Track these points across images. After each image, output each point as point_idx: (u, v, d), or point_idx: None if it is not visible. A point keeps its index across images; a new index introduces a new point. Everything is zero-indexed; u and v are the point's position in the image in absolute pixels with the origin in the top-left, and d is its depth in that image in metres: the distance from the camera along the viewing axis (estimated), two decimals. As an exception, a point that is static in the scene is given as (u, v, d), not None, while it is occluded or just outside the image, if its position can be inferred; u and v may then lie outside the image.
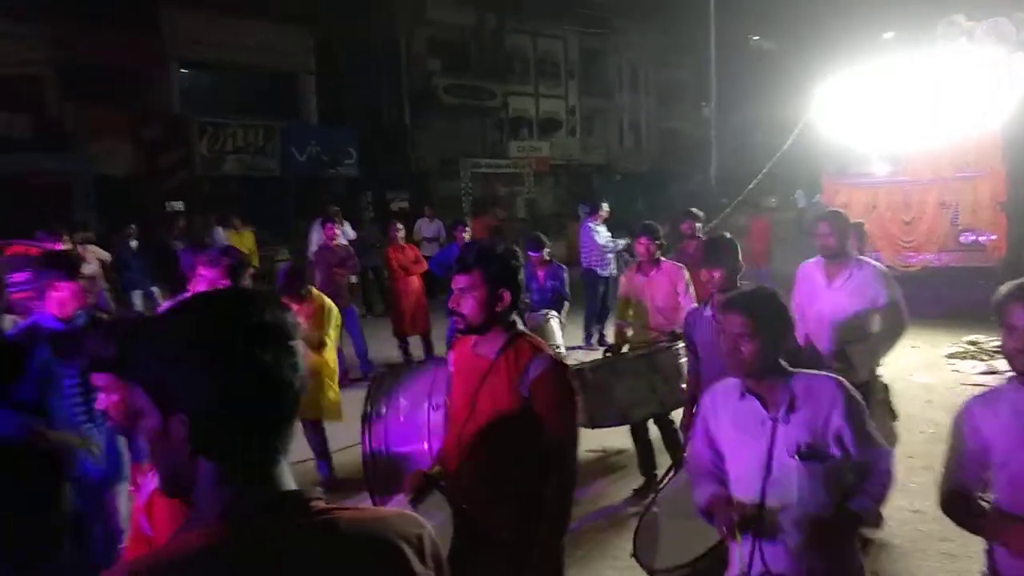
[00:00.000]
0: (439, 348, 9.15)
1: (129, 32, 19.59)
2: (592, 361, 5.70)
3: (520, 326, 2.66)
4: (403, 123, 25.30)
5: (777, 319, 2.39)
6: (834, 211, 4.97)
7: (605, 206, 10.80)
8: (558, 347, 5.31)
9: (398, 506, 2.56)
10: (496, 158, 27.36)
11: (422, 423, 3.66)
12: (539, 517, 2.50)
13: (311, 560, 1.03)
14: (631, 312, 6.00)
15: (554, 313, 6.37)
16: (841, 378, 2.41)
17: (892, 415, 5.00)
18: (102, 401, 2.17)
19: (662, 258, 5.96)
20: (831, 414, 2.28)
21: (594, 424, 4.97)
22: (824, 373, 2.49)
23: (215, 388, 1.04)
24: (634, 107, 34.15)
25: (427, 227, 15.23)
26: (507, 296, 2.54)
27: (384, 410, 3.80)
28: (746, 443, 2.35)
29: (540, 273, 7.90)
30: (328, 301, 5.73)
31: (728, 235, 4.46)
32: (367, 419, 3.83)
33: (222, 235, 13.39)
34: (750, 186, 14.08)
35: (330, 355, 5.65)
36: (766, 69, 27.90)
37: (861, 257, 4.67)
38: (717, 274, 4.02)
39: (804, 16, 25.97)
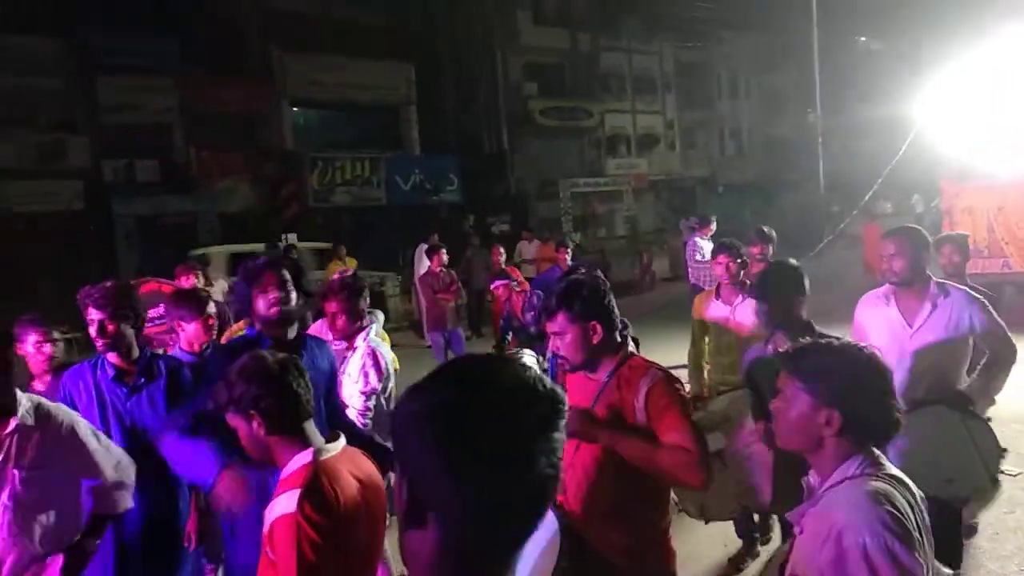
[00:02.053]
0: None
1: (245, 77, 20.90)
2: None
3: (631, 346, 2.65)
4: (502, 148, 25.74)
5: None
6: (905, 227, 3.86)
7: (714, 221, 10.41)
8: None
9: None
10: (594, 177, 27.37)
11: None
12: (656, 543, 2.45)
13: None
14: (708, 345, 4.87)
15: (530, 353, 5.11)
16: None
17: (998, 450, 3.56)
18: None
19: (747, 280, 4.85)
20: None
21: (708, 518, 3.72)
22: None
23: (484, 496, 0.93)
24: (735, 116, 33.45)
25: (527, 249, 15.40)
26: (599, 327, 2.52)
27: None
28: None
29: (516, 307, 6.52)
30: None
31: (793, 262, 3.58)
32: None
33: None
34: (867, 196, 13.52)
35: None
36: (874, 70, 26.79)
37: (941, 281, 3.63)
38: (765, 307, 3.43)
39: (913, 13, 24.80)
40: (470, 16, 25.72)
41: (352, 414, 3.68)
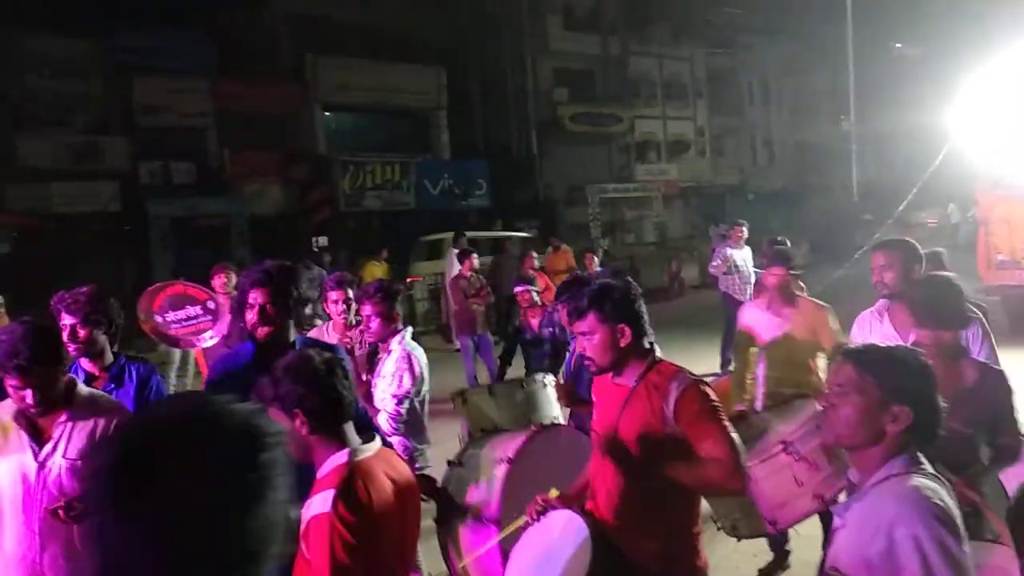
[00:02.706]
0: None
1: (278, 81, 21.16)
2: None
3: (658, 352, 2.65)
4: (531, 153, 25.77)
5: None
6: (897, 239, 3.74)
7: (744, 228, 9.96)
8: (555, 419, 4.07)
9: (559, 520, 2.60)
10: (623, 183, 27.28)
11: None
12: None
13: None
14: (752, 356, 4.60)
15: (551, 378, 4.50)
16: None
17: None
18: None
19: (798, 292, 4.57)
20: None
21: (740, 535, 3.66)
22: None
23: None
24: (766, 123, 33.16)
25: (554, 259, 15.36)
26: (628, 330, 2.52)
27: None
28: None
29: (533, 320, 6.14)
30: None
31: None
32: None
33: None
34: (902, 206, 13.29)
35: None
36: (910, 76, 26.39)
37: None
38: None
39: (950, 18, 24.42)
40: (500, 21, 25.81)
41: (383, 418, 3.70)
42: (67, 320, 3.22)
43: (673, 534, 2.51)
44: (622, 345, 2.53)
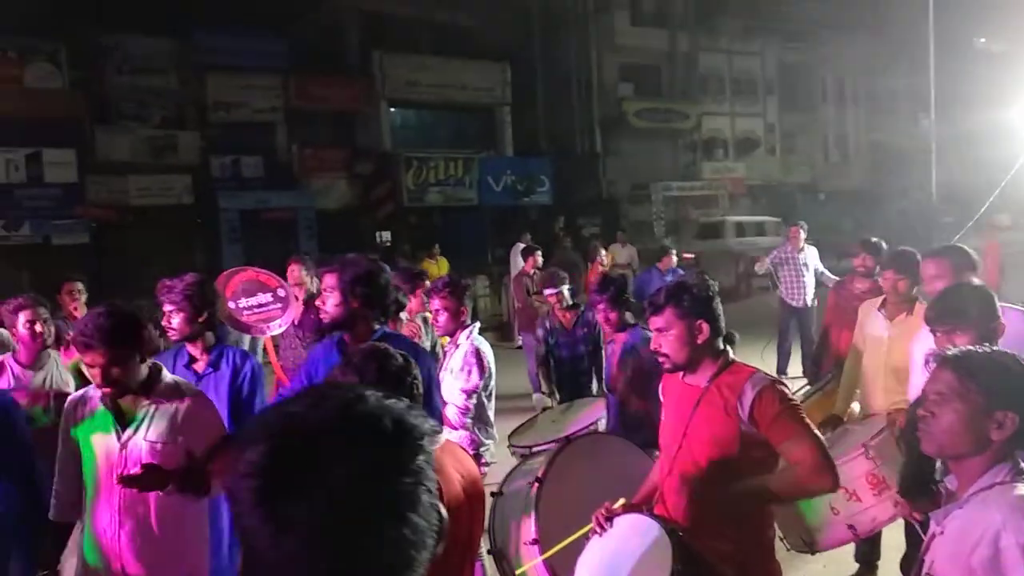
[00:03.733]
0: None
1: (346, 78, 21.50)
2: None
3: (731, 354, 2.57)
4: (594, 149, 25.57)
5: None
6: (945, 247, 3.60)
7: (801, 229, 9.15)
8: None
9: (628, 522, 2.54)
10: (689, 180, 26.85)
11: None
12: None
13: None
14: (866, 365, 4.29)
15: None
16: None
17: None
18: None
19: (919, 298, 4.26)
20: None
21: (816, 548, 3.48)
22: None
23: None
24: (840, 121, 32.18)
25: (620, 253, 15.17)
26: (705, 327, 2.48)
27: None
28: None
29: (565, 317, 5.66)
30: None
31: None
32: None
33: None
34: (983, 207, 12.70)
35: None
36: (994, 73, 25.21)
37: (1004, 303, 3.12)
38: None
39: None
40: (566, 17, 25.67)
41: (451, 411, 3.70)
42: (166, 307, 3.41)
43: (746, 536, 2.47)
44: (699, 342, 2.49)
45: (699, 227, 21.89)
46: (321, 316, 3.15)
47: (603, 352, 5.37)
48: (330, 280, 3.01)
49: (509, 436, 4.19)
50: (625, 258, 14.97)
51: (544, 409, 4.73)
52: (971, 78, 25.62)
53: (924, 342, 3.44)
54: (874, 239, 5.95)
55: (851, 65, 31.36)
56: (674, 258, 9.03)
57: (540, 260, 9.62)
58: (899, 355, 4.01)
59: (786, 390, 2.44)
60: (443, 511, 0.90)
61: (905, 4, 23.60)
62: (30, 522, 2.97)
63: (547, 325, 5.79)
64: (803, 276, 9.04)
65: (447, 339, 4.07)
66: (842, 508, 3.26)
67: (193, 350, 3.46)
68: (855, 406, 4.35)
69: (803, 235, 9.15)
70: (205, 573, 2.85)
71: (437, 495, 0.91)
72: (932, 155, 22.44)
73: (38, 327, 3.81)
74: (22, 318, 3.83)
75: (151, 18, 18.18)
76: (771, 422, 2.35)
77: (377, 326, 3.03)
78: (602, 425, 4.03)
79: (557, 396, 5.60)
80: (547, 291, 5.85)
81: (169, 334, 3.48)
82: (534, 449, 3.76)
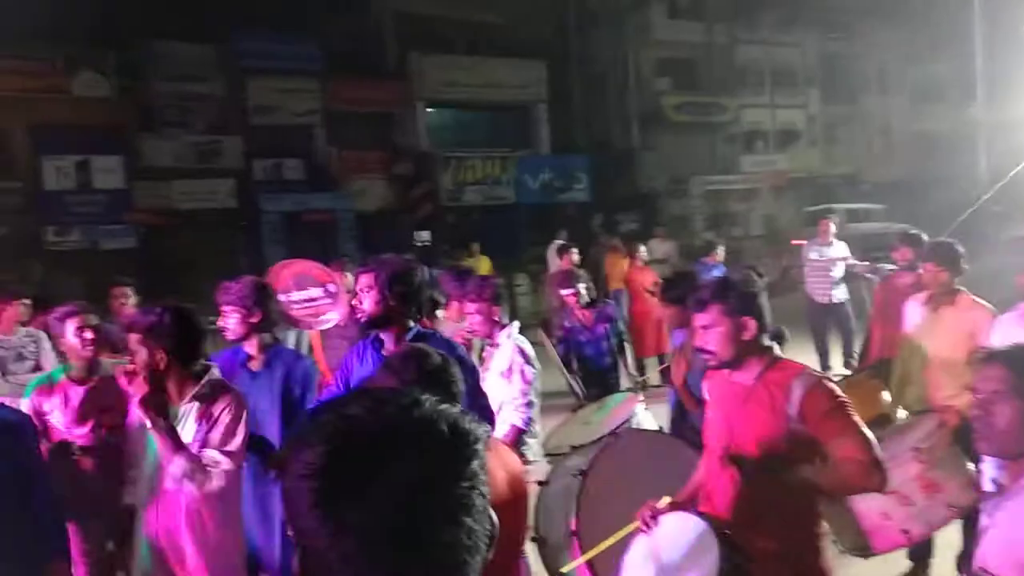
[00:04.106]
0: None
1: (383, 79, 21.67)
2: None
3: (777, 350, 2.54)
4: (631, 145, 25.40)
5: None
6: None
7: (831, 222, 8.83)
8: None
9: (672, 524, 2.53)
10: (729, 174, 26.53)
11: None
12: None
13: None
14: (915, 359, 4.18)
15: (641, 405, 4.19)
16: None
17: None
18: None
19: (961, 288, 4.16)
20: None
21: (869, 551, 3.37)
22: None
23: None
24: (884, 111, 31.45)
25: (659, 248, 15.05)
26: (752, 324, 2.46)
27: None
28: None
29: (584, 315, 5.67)
30: None
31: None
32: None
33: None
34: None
35: None
36: (1045, 58, 24.42)
37: None
38: None
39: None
40: (602, 12, 25.53)
41: (511, 414, 3.70)
42: (223, 307, 3.56)
43: (794, 534, 2.45)
44: (745, 339, 2.47)
45: (805, 216, 21.88)
46: (358, 315, 3.17)
47: (627, 345, 5.78)
48: (366, 279, 3.02)
49: (543, 444, 4.16)
50: (663, 253, 14.85)
51: (575, 410, 4.72)
52: (1019, 64, 24.86)
53: (1006, 330, 3.39)
54: (913, 231, 5.81)
55: (894, 53, 30.63)
56: (721, 253, 8.79)
57: (576, 258, 9.57)
58: (945, 348, 3.95)
59: (835, 387, 2.42)
60: (494, 517, 0.90)
61: (951, -10, 23.01)
62: (52, 547, 2.78)
63: (567, 324, 5.79)
64: (831, 271, 8.67)
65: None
66: (894, 512, 3.21)
67: (249, 349, 3.57)
68: (886, 399, 4.26)
69: (833, 228, 8.84)
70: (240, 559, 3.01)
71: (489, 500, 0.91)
72: (979, 143, 21.85)
73: (87, 333, 3.75)
74: (71, 326, 3.72)
75: (193, 25, 18.54)
76: (821, 419, 2.32)
77: (412, 324, 3.05)
78: (635, 422, 3.95)
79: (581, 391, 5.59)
80: (563, 291, 5.76)
81: (225, 334, 3.60)
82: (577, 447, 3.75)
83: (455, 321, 4.63)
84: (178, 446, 2.74)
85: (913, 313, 4.32)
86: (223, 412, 2.87)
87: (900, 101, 31.71)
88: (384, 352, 3.00)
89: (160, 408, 2.76)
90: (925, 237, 5.63)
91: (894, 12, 28.53)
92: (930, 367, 4.07)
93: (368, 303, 3.00)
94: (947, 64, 29.72)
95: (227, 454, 2.81)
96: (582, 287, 5.71)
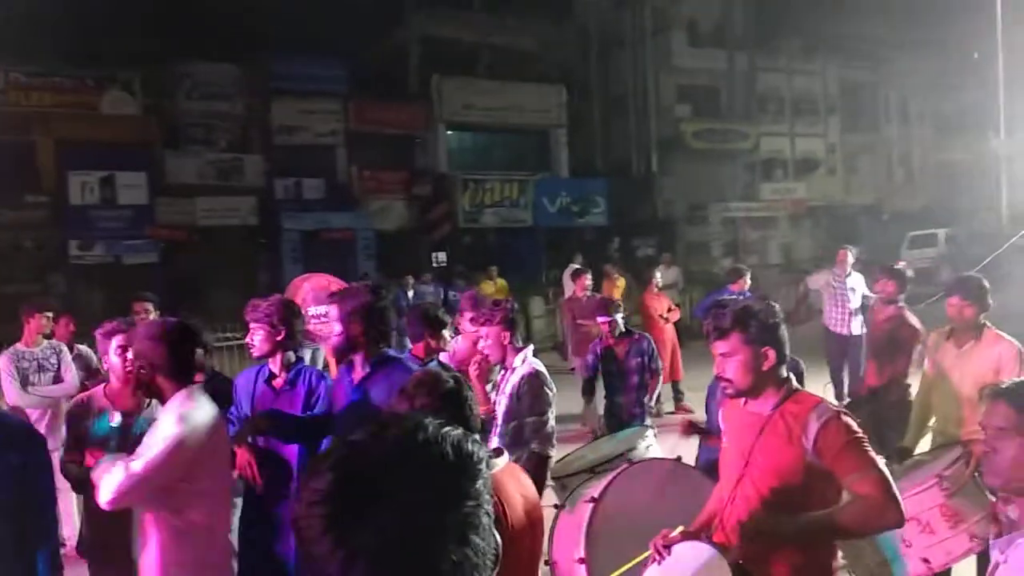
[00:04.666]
0: (688, 397, 8.92)
1: (405, 101, 21.91)
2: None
3: (795, 382, 2.54)
4: (650, 170, 25.45)
5: None
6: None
7: (849, 253, 8.68)
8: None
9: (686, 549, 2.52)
10: (747, 201, 26.49)
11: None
12: None
13: None
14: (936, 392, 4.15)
15: (650, 433, 4.22)
16: None
17: None
18: None
19: (987, 323, 4.10)
20: None
21: None
22: None
23: None
24: (905, 140, 31.35)
25: (665, 274, 14.95)
26: (772, 354, 2.44)
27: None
28: None
29: (618, 349, 5.61)
30: None
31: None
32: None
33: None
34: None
35: None
36: (1070, 89, 24.26)
37: None
38: None
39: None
40: (623, 38, 25.71)
41: (527, 435, 3.70)
42: (251, 324, 3.64)
43: (808, 565, 2.41)
44: (764, 369, 2.45)
45: (910, 239, 22.18)
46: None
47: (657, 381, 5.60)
48: (332, 311, 3.27)
49: (550, 473, 4.11)
50: (671, 279, 14.76)
51: (590, 442, 4.72)
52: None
53: None
54: (897, 265, 5.86)
55: (916, 83, 30.57)
56: (748, 280, 8.69)
57: (589, 283, 9.55)
58: (969, 384, 3.91)
59: (852, 422, 2.39)
60: (498, 536, 0.93)
61: (972, 20, 22.96)
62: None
63: (598, 351, 5.75)
64: (848, 302, 8.58)
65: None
66: (915, 540, 3.17)
67: (273, 367, 3.64)
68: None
69: (851, 259, 8.73)
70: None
71: (494, 518, 0.93)
72: (1001, 175, 21.70)
73: (130, 354, 3.32)
74: (114, 343, 3.40)
75: (219, 45, 18.87)
76: (836, 454, 2.30)
77: (382, 348, 3.26)
78: (634, 455, 3.85)
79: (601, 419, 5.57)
80: (600, 319, 5.73)
81: (251, 350, 3.68)
82: (596, 469, 3.74)
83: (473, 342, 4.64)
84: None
85: (937, 349, 4.25)
86: (161, 424, 2.60)
87: (921, 131, 31.60)
88: (353, 376, 3.25)
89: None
90: (911, 273, 5.71)
91: (916, 42, 28.51)
92: (955, 402, 4.03)
93: (334, 333, 3.25)
94: (969, 94, 29.62)
95: (130, 464, 2.48)
96: (619, 317, 5.64)
